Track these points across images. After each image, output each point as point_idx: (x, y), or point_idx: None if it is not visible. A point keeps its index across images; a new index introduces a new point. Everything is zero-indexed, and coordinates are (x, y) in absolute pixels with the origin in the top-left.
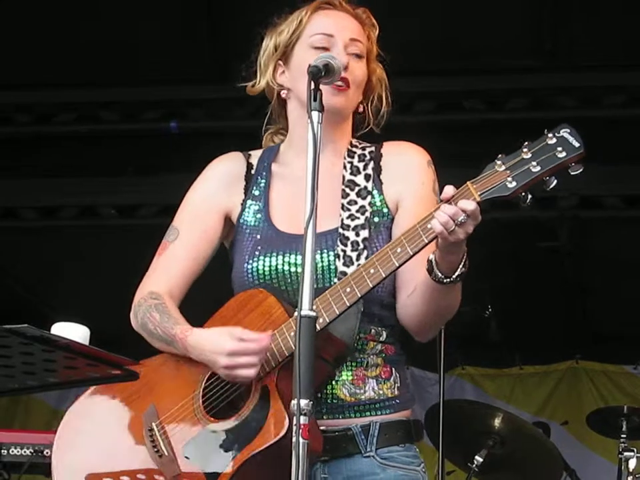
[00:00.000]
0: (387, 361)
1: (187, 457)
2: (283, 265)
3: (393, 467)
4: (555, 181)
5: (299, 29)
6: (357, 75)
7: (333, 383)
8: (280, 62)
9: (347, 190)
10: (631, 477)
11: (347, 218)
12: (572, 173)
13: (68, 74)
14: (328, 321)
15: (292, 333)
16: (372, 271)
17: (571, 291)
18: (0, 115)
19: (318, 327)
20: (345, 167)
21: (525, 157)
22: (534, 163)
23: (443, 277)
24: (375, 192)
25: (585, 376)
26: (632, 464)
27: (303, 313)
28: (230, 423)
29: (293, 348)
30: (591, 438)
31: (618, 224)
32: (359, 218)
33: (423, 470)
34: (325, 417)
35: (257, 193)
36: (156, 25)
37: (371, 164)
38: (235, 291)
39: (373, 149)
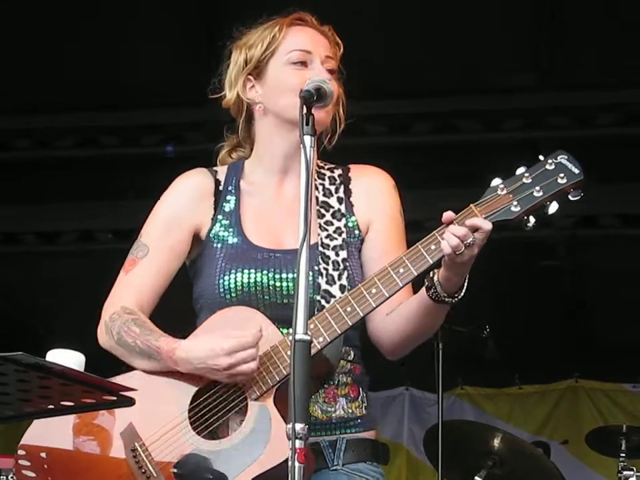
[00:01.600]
0: (355, 380)
1: (177, 477)
2: (257, 279)
3: (360, 476)
4: (557, 206)
5: (274, 44)
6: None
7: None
8: (250, 77)
9: (322, 211)
10: None
11: (326, 237)
12: (571, 199)
13: (66, 99)
14: (329, 340)
15: (288, 352)
16: (374, 290)
17: (569, 309)
18: None
19: (319, 346)
20: (317, 188)
21: (525, 181)
22: (537, 188)
23: (445, 296)
24: (347, 214)
25: (584, 395)
26: None
27: (298, 337)
28: (226, 443)
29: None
30: (590, 457)
31: (615, 242)
32: (336, 239)
33: None
34: None
35: (227, 209)
36: (155, 48)
37: (342, 187)
38: (200, 306)
39: (340, 171)
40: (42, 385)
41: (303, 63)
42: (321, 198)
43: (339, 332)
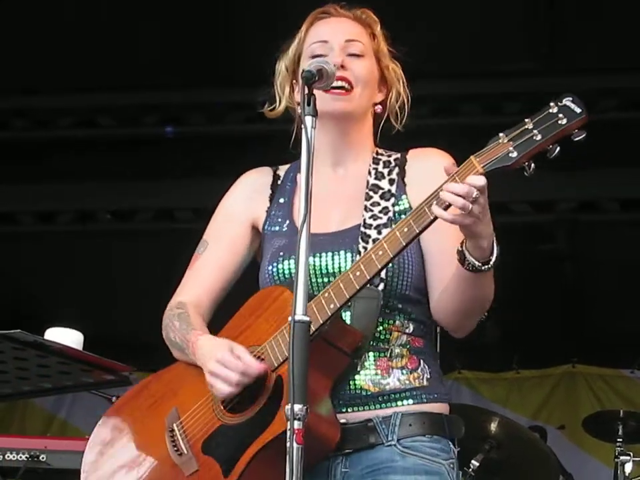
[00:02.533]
0: (414, 352)
1: (204, 453)
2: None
3: (413, 455)
4: (558, 149)
5: (300, 45)
6: (359, 73)
7: (357, 374)
8: (294, 81)
9: (371, 193)
10: None
11: (370, 218)
12: (574, 139)
13: (65, 79)
14: (338, 305)
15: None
16: (380, 252)
17: (567, 294)
18: None
19: (329, 313)
20: (369, 173)
21: (527, 127)
22: (536, 132)
23: (479, 264)
24: (398, 194)
25: (581, 380)
26: (628, 468)
27: (297, 317)
28: (245, 416)
29: None
30: (587, 442)
31: (615, 227)
32: (381, 218)
33: (451, 465)
34: (347, 410)
35: (281, 200)
36: (155, 27)
37: (396, 169)
38: None
39: (398, 155)
40: (40, 364)
41: (322, 55)
42: (372, 181)
43: (347, 296)
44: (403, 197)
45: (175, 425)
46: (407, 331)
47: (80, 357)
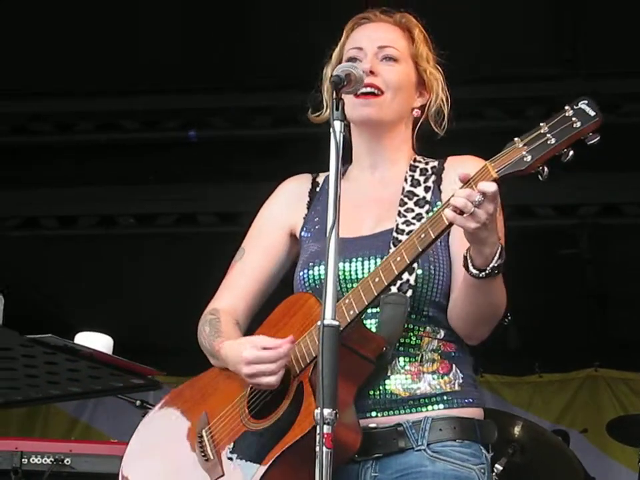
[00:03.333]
0: (445, 357)
1: (229, 459)
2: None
3: (443, 460)
4: (571, 152)
5: (341, 50)
6: (390, 78)
7: (387, 379)
8: None
9: (405, 199)
10: None
11: (403, 223)
12: (588, 143)
13: (86, 82)
14: (357, 311)
15: None
16: (398, 258)
17: (590, 298)
18: (17, 124)
19: (348, 319)
20: (405, 180)
21: (542, 131)
22: (550, 136)
23: (477, 272)
24: (433, 201)
25: (604, 384)
26: None
27: (326, 322)
28: (268, 422)
29: None
30: (610, 446)
31: (637, 231)
32: (414, 224)
33: (482, 470)
34: (377, 414)
35: (318, 207)
36: (177, 32)
37: (432, 177)
38: None
39: (436, 163)
40: (70, 368)
41: (356, 59)
42: (407, 188)
43: (366, 302)
44: (438, 203)
45: (203, 430)
46: (438, 336)
47: (110, 361)
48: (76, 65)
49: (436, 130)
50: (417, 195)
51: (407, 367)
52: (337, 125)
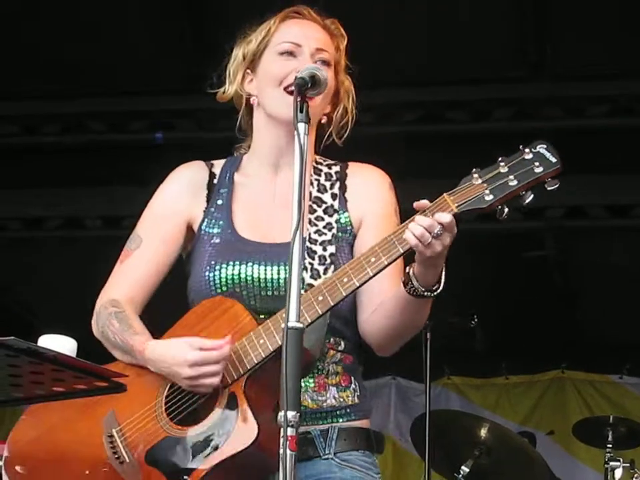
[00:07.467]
0: (346, 369)
1: (148, 464)
2: (246, 272)
3: (350, 467)
4: (532, 196)
5: (267, 37)
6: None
7: None
8: (248, 70)
9: (314, 206)
10: None
11: (314, 233)
12: (548, 188)
13: (53, 85)
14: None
15: (261, 341)
16: (345, 279)
17: (557, 300)
18: None
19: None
20: (312, 184)
21: (502, 170)
22: (511, 177)
23: (423, 290)
24: (340, 210)
25: (570, 385)
26: (618, 474)
27: (290, 324)
28: (196, 430)
29: (263, 356)
30: (577, 447)
31: (603, 233)
32: (325, 234)
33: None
34: None
35: (219, 202)
36: (143, 35)
37: (337, 184)
38: (191, 300)
39: (338, 168)
40: (33, 371)
41: (291, 54)
42: (315, 193)
43: (309, 320)
44: (346, 213)
45: (114, 430)
46: (339, 348)
47: (73, 364)
48: (44, 67)
49: (336, 140)
50: (325, 203)
51: (315, 379)
52: (302, 127)
